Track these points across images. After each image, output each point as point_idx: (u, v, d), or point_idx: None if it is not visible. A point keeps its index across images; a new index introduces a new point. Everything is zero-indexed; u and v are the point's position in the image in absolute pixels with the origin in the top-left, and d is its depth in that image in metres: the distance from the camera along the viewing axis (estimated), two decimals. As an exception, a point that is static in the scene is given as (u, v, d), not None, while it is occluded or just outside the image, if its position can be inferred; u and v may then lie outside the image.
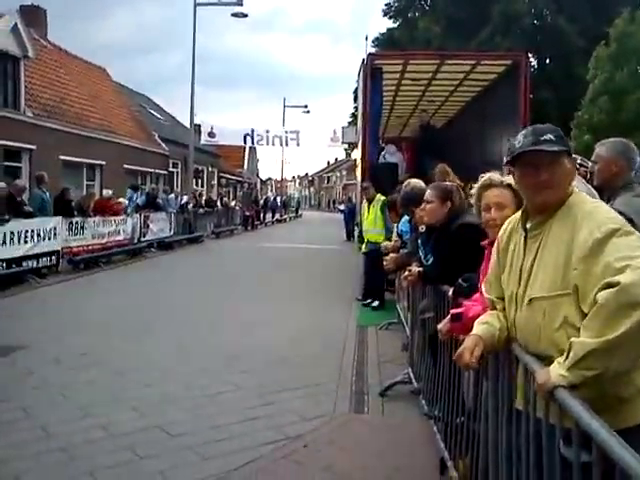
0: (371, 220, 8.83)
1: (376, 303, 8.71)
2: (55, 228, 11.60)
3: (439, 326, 3.12)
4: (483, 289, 2.34)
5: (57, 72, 19.94)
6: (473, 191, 3.00)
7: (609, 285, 1.68)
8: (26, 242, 10.59)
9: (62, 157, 17.50)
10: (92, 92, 22.12)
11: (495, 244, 2.31)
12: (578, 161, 4.24)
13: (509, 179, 2.56)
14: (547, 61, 30.77)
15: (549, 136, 2.00)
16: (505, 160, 2.25)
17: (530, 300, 2.01)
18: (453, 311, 2.74)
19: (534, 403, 1.91)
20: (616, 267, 1.70)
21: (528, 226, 2.09)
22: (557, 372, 1.74)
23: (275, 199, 44.62)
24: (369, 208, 8.93)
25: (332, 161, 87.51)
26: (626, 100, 20.16)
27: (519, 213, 2.17)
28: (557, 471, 1.74)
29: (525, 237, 2.09)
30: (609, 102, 20.26)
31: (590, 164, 4.42)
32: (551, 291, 1.93)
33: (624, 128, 19.65)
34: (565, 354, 1.75)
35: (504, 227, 2.27)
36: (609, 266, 1.73)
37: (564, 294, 1.89)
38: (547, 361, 1.87)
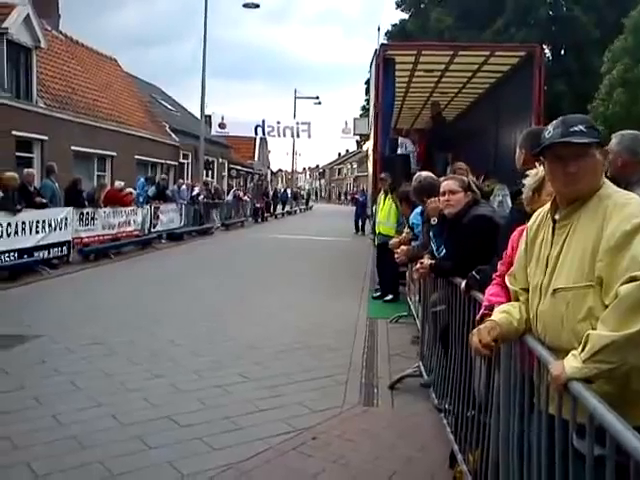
0: (385, 212, 8.77)
1: (390, 297, 8.69)
2: (66, 219, 11.65)
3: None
4: (507, 281, 2.32)
5: (68, 63, 19.98)
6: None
7: (633, 279, 1.65)
8: (37, 232, 10.64)
9: (73, 148, 17.57)
10: (103, 83, 22.16)
11: (524, 235, 2.28)
12: None
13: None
14: (562, 52, 30.42)
15: (579, 127, 1.97)
16: (534, 151, 2.22)
17: (554, 291, 1.99)
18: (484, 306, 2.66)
19: (547, 396, 1.89)
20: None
21: (557, 217, 2.07)
22: (572, 364, 1.72)
23: (285, 191, 44.61)
24: (385, 200, 8.86)
25: (343, 153, 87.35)
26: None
27: (549, 204, 2.14)
28: (570, 465, 1.72)
29: (553, 228, 2.07)
30: (625, 94, 20.02)
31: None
32: (576, 282, 1.91)
33: (638, 121, 19.43)
34: (581, 346, 1.73)
35: (533, 218, 2.25)
36: (635, 260, 1.71)
37: (589, 285, 1.86)
38: (566, 354, 1.84)
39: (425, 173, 5.31)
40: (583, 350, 1.71)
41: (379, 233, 8.85)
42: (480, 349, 2.18)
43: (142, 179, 18.64)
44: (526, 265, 2.20)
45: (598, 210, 1.92)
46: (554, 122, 2.06)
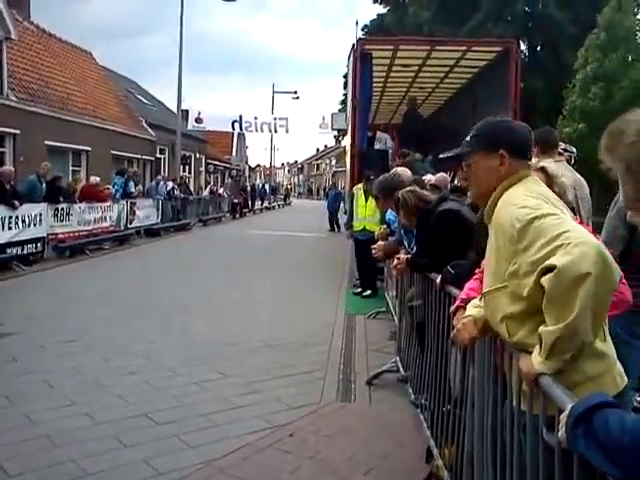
0: (370, 209, 8.74)
1: (368, 292, 8.71)
2: (40, 214, 11.46)
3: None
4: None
5: (41, 55, 19.62)
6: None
7: (548, 269, 1.69)
8: (10, 228, 10.45)
9: (47, 142, 17.27)
10: (77, 76, 21.80)
11: None
12: (562, 147, 4.33)
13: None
14: (538, 48, 30.72)
15: (468, 137, 2.15)
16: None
17: (483, 295, 2.10)
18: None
19: (519, 390, 1.92)
20: (548, 250, 1.72)
21: None
22: (538, 360, 1.76)
23: (264, 186, 44.43)
24: (367, 197, 8.82)
25: (321, 148, 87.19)
26: (616, 87, 20.22)
27: None
28: (540, 458, 1.74)
29: None
30: (601, 89, 20.31)
31: (574, 149, 4.58)
32: (492, 285, 2.00)
33: (616, 115, 19.74)
34: (539, 344, 1.77)
35: None
36: (539, 251, 1.75)
37: (501, 287, 1.94)
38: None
39: (397, 170, 5.32)
40: (541, 348, 1.76)
41: (363, 229, 8.77)
42: (468, 344, 2.25)
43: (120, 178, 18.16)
44: None
45: (499, 212, 1.99)
46: None
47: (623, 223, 3.26)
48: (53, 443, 3.60)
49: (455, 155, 2.30)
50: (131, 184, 17.39)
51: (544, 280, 1.71)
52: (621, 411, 1.26)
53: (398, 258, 4.39)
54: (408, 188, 4.17)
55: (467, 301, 2.40)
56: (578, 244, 1.67)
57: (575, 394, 1.67)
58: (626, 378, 1.93)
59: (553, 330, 1.70)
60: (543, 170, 2.68)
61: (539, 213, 1.82)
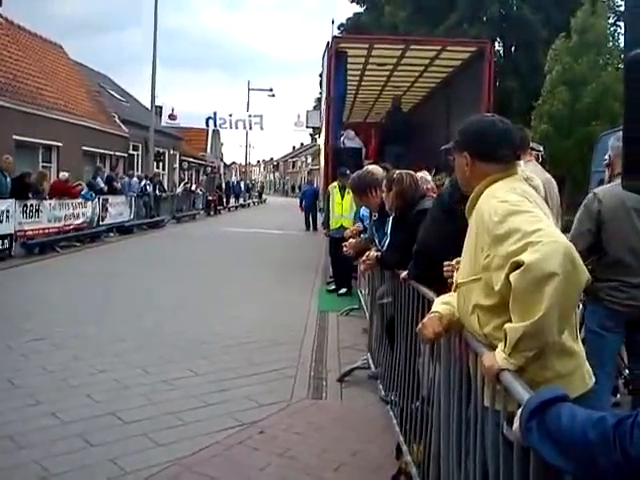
0: (347, 206, 8.74)
1: (343, 290, 8.71)
2: (8, 211, 11.22)
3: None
4: None
5: (9, 48, 19.16)
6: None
7: (517, 265, 1.72)
8: (-25, 225, 10.23)
9: (15, 137, 16.86)
10: (47, 70, 21.38)
11: None
12: (531, 145, 4.44)
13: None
14: (512, 50, 31.05)
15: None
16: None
17: (457, 286, 2.13)
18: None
19: (482, 387, 1.93)
20: (519, 246, 1.74)
21: None
22: (502, 356, 1.77)
23: (239, 183, 44.21)
24: (342, 194, 8.81)
25: (297, 146, 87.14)
26: (584, 90, 20.52)
27: None
28: (501, 454, 1.76)
29: None
30: (567, 92, 20.59)
31: (542, 148, 4.78)
32: (467, 277, 2.03)
33: (582, 118, 20.04)
34: (504, 340, 1.78)
35: None
36: (511, 246, 1.77)
37: (476, 279, 1.97)
38: None
39: (372, 167, 5.33)
40: (505, 344, 1.77)
41: (340, 227, 8.73)
42: (432, 338, 2.25)
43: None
44: None
45: (480, 205, 2.03)
46: None
47: (590, 218, 3.33)
48: (16, 444, 3.52)
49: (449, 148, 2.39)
50: (98, 180, 17.15)
51: (512, 276, 1.72)
52: (574, 405, 1.27)
53: (367, 255, 4.40)
54: (406, 171, 4.15)
55: None
56: (548, 243, 1.69)
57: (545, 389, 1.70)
58: (594, 377, 1.96)
59: (518, 327, 1.71)
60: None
61: (518, 209, 1.85)
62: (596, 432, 1.13)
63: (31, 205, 12.31)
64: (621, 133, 3.57)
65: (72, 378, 4.71)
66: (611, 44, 23.48)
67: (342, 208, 8.84)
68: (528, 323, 1.69)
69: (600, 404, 3.30)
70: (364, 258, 4.42)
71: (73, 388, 4.51)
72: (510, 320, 1.77)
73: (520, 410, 1.38)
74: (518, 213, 1.83)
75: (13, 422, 3.82)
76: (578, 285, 1.72)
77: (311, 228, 21.18)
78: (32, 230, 12.29)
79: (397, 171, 4.17)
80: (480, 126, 2.20)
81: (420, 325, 2.28)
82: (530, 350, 1.73)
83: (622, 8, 21.82)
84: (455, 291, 2.19)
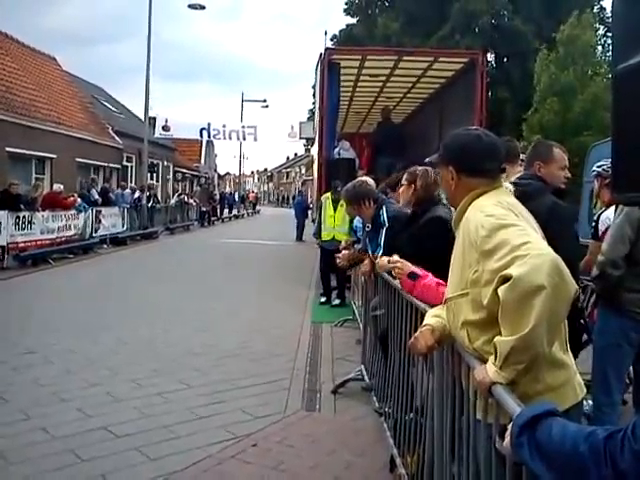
0: (339, 218, 8.73)
1: (337, 301, 8.70)
2: (0, 223, 11.16)
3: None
4: None
5: (2, 59, 19.16)
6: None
7: (505, 279, 1.71)
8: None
9: (8, 149, 16.84)
10: (41, 81, 21.38)
11: None
12: (522, 157, 4.44)
13: None
14: (505, 60, 31.28)
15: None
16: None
17: (446, 301, 2.11)
18: (413, 269, 2.99)
19: (475, 400, 1.92)
20: (507, 260, 1.74)
21: None
22: (493, 370, 1.77)
23: (232, 194, 44.20)
24: (335, 206, 8.80)
25: (291, 156, 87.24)
26: (574, 100, 20.68)
27: None
28: (493, 467, 1.75)
29: None
30: (558, 103, 20.74)
31: None
32: (455, 292, 2.02)
33: (573, 128, 20.18)
34: (494, 354, 1.78)
35: None
36: (499, 260, 1.77)
37: (463, 294, 1.96)
38: None
39: (364, 178, 5.33)
40: (496, 357, 1.76)
41: (332, 239, 8.65)
42: (424, 351, 2.24)
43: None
44: None
45: (467, 219, 2.03)
46: None
47: (631, 225, 3.27)
48: (5, 459, 3.47)
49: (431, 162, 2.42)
50: (93, 192, 17.13)
51: (500, 289, 1.72)
52: (564, 420, 1.26)
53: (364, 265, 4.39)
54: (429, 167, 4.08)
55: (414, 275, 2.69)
56: (536, 256, 1.69)
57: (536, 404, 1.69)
58: (585, 389, 1.96)
59: (508, 340, 1.71)
60: None
61: (505, 223, 1.85)
62: (587, 446, 1.13)
63: (23, 217, 12.26)
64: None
65: (64, 392, 4.66)
66: (600, 55, 23.73)
67: (334, 220, 8.82)
68: (517, 336, 1.68)
69: (616, 414, 3.26)
70: (362, 268, 4.41)
71: (64, 402, 4.46)
72: (500, 334, 1.77)
73: (510, 425, 1.37)
74: (505, 227, 1.83)
75: (3, 437, 3.77)
76: (566, 297, 1.71)
77: (303, 239, 21.02)
78: (25, 242, 12.23)
79: (419, 167, 4.10)
80: (465, 140, 2.20)
81: (412, 339, 2.27)
82: (521, 363, 1.72)
83: (611, 20, 22.03)
84: (444, 305, 2.18)
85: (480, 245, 1.85)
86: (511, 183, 3.07)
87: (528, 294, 1.65)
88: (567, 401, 1.84)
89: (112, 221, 17.51)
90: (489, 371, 1.77)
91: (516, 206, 2.04)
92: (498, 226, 1.84)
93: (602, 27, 27.28)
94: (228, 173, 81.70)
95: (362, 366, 5.02)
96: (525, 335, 1.67)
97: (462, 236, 2.02)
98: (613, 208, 3.69)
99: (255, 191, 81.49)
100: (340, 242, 7.93)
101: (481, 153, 2.13)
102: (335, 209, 8.79)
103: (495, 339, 1.77)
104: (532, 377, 1.79)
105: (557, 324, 1.76)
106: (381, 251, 4.26)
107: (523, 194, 2.91)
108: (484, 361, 1.84)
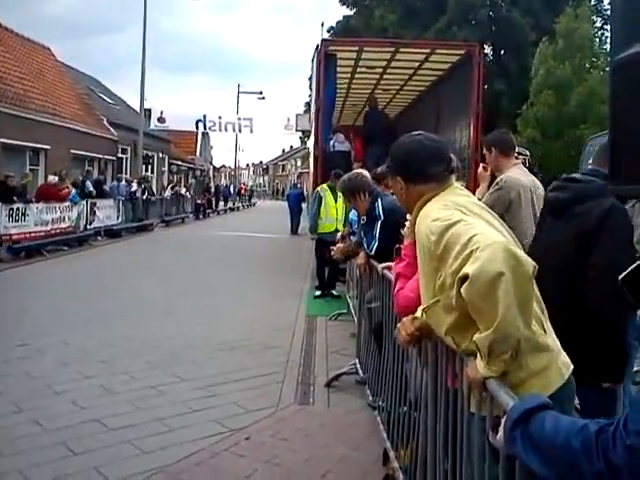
0: (341, 209, 8.67)
1: (319, 292, 8.71)
2: (-7, 214, 11.12)
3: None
4: None
5: (-5, 50, 19.07)
6: None
7: (463, 279, 1.72)
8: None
9: (2, 140, 16.74)
10: (35, 72, 21.23)
11: None
12: (518, 150, 4.44)
13: None
14: (502, 53, 31.19)
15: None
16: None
17: (423, 312, 2.09)
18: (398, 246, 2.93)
19: (468, 394, 1.92)
20: (461, 259, 1.75)
21: None
22: (481, 365, 1.78)
23: (228, 187, 44.12)
24: (335, 197, 8.74)
25: (287, 149, 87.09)
26: (570, 94, 20.64)
27: None
28: (487, 460, 1.75)
29: None
30: (553, 96, 20.70)
31: (528, 153, 4.79)
32: (428, 301, 2.01)
33: (569, 121, 20.16)
34: (478, 351, 1.79)
35: None
36: (454, 261, 1.78)
37: (435, 302, 1.96)
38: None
39: (359, 170, 5.30)
40: (481, 354, 1.77)
41: (335, 230, 8.44)
42: (406, 340, 2.25)
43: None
44: None
45: (418, 227, 2.05)
46: None
47: None
48: (-2, 452, 3.47)
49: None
50: (88, 183, 17.05)
51: (462, 290, 1.73)
52: (557, 413, 1.26)
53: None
54: None
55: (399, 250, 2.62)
56: (484, 247, 1.70)
57: (523, 391, 1.70)
58: (571, 365, 1.93)
59: (486, 335, 1.72)
60: None
61: (450, 222, 1.86)
62: (579, 440, 1.13)
63: (17, 209, 12.19)
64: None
65: (57, 384, 4.64)
66: (597, 47, 23.68)
67: (336, 212, 8.74)
68: (492, 329, 1.70)
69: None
70: (358, 261, 4.40)
71: (58, 395, 4.44)
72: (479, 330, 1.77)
73: (504, 419, 1.37)
74: (451, 226, 1.85)
75: (-5, 430, 3.76)
76: (526, 276, 1.73)
77: (297, 232, 20.84)
78: (18, 234, 12.17)
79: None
80: (408, 148, 2.21)
81: (396, 330, 2.28)
82: (505, 353, 1.73)
83: (609, 12, 21.98)
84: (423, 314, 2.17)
85: (434, 251, 1.87)
86: (570, 177, 3.01)
87: (489, 286, 1.67)
88: (554, 383, 1.85)
89: (107, 213, 17.44)
90: (479, 367, 1.78)
91: (462, 202, 2.04)
92: (444, 228, 1.85)
93: (599, 19, 27.23)
94: (224, 165, 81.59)
95: (356, 360, 5.01)
96: (498, 325, 1.68)
97: (418, 245, 2.04)
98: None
99: (246, 183, 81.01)
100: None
101: (425, 159, 2.14)
102: (335, 200, 8.71)
103: (474, 338, 1.78)
104: (516, 365, 1.79)
105: (526, 304, 1.75)
106: (376, 244, 4.25)
107: (579, 193, 2.82)
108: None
